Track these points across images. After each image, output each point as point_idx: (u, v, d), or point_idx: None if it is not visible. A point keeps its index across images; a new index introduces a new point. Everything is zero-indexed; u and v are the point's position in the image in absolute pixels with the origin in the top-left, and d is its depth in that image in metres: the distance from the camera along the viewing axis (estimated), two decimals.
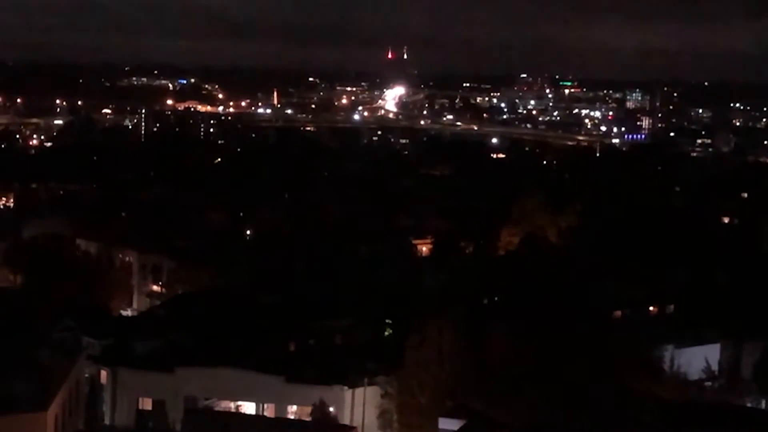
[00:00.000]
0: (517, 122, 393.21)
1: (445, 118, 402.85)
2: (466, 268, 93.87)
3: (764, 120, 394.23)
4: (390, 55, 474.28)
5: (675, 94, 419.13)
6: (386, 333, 73.00)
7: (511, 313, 69.74)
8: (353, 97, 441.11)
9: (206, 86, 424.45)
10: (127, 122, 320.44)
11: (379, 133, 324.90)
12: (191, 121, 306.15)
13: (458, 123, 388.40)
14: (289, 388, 62.24)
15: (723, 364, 71.28)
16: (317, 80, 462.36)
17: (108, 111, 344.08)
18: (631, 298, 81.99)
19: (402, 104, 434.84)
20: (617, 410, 50.70)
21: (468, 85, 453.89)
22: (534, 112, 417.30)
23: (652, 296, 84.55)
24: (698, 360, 68.43)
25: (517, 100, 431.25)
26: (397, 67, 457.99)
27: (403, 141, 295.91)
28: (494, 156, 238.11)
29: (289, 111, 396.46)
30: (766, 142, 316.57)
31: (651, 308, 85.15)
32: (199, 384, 62.79)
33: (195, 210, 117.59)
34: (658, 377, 61.01)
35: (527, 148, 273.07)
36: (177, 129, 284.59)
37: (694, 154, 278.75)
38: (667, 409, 51.92)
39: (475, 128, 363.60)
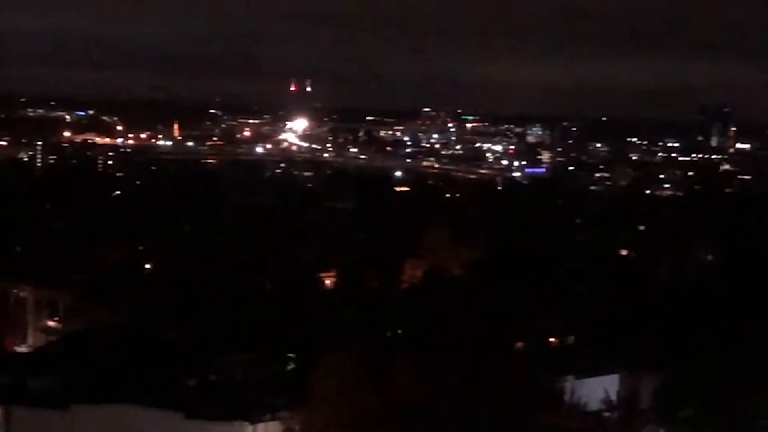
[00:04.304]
0: (420, 156, 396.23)
1: (348, 151, 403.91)
2: (370, 301, 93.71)
3: (660, 154, 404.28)
4: (293, 88, 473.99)
5: (574, 129, 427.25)
6: (289, 367, 72.35)
7: (415, 347, 69.67)
8: (256, 130, 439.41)
9: (105, 118, 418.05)
10: (22, 154, 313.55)
11: (283, 165, 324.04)
12: (89, 154, 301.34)
13: (362, 156, 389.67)
14: (188, 424, 61.02)
15: (622, 395, 72.25)
16: (219, 112, 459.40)
17: (3, 143, 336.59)
18: (533, 330, 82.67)
19: (305, 137, 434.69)
20: None
21: (372, 118, 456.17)
22: (437, 145, 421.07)
23: (553, 327, 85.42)
24: (598, 391, 69.24)
25: (420, 134, 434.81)
26: (300, 100, 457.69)
27: (307, 174, 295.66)
28: (398, 189, 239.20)
29: (190, 143, 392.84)
30: (661, 176, 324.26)
31: (552, 339, 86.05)
32: (97, 421, 61.20)
33: (93, 244, 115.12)
34: (559, 408, 61.51)
35: (431, 182, 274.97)
36: (74, 161, 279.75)
37: (593, 188, 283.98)
38: None
39: (379, 162, 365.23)
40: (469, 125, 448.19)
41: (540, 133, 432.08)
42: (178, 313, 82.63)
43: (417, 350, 66.28)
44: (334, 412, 57.17)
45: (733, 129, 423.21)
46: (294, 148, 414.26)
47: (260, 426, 60.86)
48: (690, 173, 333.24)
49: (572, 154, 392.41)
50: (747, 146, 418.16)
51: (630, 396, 71.67)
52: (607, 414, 68.99)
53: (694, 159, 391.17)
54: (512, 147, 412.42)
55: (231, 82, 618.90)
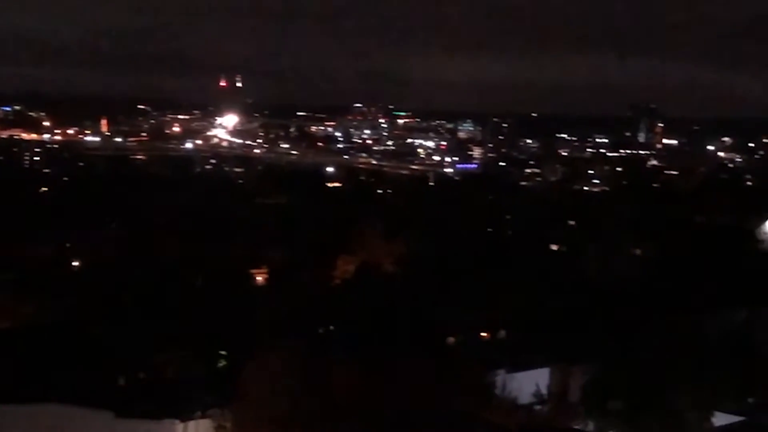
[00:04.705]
0: (352, 152, 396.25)
1: (280, 147, 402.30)
2: (302, 297, 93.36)
3: (589, 150, 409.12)
4: (223, 84, 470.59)
5: (505, 125, 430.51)
6: (220, 365, 71.84)
7: (347, 343, 69.58)
8: (186, 126, 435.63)
9: (31, 113, 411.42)
10: None
11: (213, 161, 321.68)
12: (15, 150, 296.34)
13: (293, 152, 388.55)
14: (118, 423, 60.18)
15: (552, 388, 72.93)
16: (148, 108, 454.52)
17: None
18: (465, 324, 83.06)
19: (236, 133, 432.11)
20: None
21: (303, 114, 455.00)
22: (369, 141, 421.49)
23: (484, 322, 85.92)
24: (528, 384, 69.83)
25: (352, 130, 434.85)
26: (231, 96, 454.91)
27: (238, 170, 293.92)
28: (330, 185, 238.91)
29: (118, 139, 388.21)
30: (591, 172, 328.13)
31: (484, 334, 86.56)
32: (21, 422, 60.06)
33: (19, 241, 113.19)
34: (490, 402, 61.88)
35: (363, 178, 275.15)
36: (0, 157, 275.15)
37: (524, 183, 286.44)
38: None
39: (311, 157, 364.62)
40: (400, 121, 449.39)
41: (471, 129, 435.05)
42: (106, 311, 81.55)
43: (349, 346, 66.20)
44: (266, 410, 56.80)
45: (660, 125, 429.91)
46: (224, 143, 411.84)
47: (191, 424, 60.29)
48: (618, 169, 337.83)
49: (503, 150, 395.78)
50: (674, 142, 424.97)
51: (560, 389, 72.43)
52: (537, 407, 69.65)
53: (622, 155, 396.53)
54: (444, 143, 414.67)
55: (160, 78, 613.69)
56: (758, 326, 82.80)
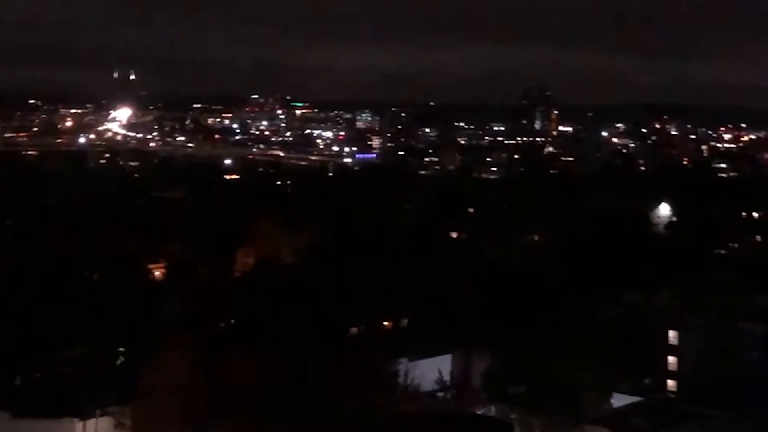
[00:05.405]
0: (250, 143, 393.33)
1: (176, 140, 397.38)
2: (202, 291, 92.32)
3: (486, 138, 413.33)
4: (116, 76, 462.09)
5: (403, 115, 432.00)
6: (119, 362, 70.80)
7: (248, 336, 69.10)
8: (78, 120, 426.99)
9: None
10: None
11: (108, 155, 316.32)
12: None
13: (190, 144, 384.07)
14: (16, 423, 59.01)
15: (454, 375, 73.57)
16: (39, 102, 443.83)
17: None
18: (366, 314, 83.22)
19: (130, 126, 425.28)
20: (358, 425, 51.12)
21: (198, 106, 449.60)
22: (267, 133, 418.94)
23: (387, 311, 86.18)
24: (431, 372, 70.35)
25: (249, 121, 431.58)
26: (124, 89, 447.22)
27: (133, 164, 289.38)
28: (228, 177, 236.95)
29: (8, 134, 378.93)
30: (488, 159, 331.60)
31: (385, 323, 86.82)
32: None
33: None
34: (393, 390, 62.13)
35: (261, 169, 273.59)
36: None
37: (423, 172, 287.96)
38: (402, 421, 52.94)
39: (208, 150, 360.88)
40: (298, 112, 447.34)
41: (369, 118, 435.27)
42: (0, 309, 79.55)
43: (250, 340, 65.76)
44: (166, 406, 56.11)
45: (556, 112, 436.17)
46: (119, 137, 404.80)
47: (90, 422, 59.37)
48: (515, 156, 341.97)
49: (402, 140, 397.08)
50: (569, 129, 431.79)
51: (462, 376, 73.14)
52: (440, 394, 70.22)
53: (519, 142, 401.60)
54: (342, 133, 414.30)
55: (51, 72, 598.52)
56: (652, 307, 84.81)
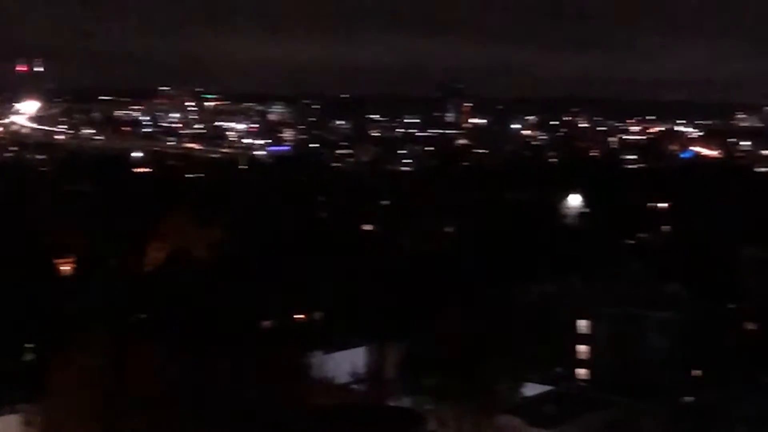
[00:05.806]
0: (159, 136, 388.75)
1: (84, 133, 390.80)
2: (111, 286, 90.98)
3: (399, 130, 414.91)
4: (22, 68, 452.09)
5: (315, 107, 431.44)
6: (27, 359, 69.44)
7: (159, 331, 68.26)
8: None
9: None
10: None
11: (13, 149, 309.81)
12: None
13: (98, 137, 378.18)
14: None
15: (368, 367, 73.61)
16: None
17: None
18: (280, 308, 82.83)
19: (37, 119, 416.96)
20: (272, 419, 50.91)
21: (107, 98, 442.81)
22: (177, 125, 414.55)
23: (300, 305, 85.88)
24: (345, 364, 70.33)
25: (159, 114, 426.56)
26: (30, 81, 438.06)
27: (40, 157, 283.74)
28: (137, 170, 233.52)
29: None
30: (402, 152, 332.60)
31: (299, 316, 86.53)
32: None
33: None
34: (307, 383, 61.92)
35: (172, 162, 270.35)
36: None
37: (336, 165, 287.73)
38: (315, 413, 52.87)
39: (117, 142, 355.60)
40: (209, 104, 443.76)
41: (281, 111, 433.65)
42: None
43: (162, 334, 64.97)
44: (75, 403, 55.08)
45: (469, 105, 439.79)
46: (25, 130, 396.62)
47: None
48: (428, 148, 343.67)
49: (314, 132, 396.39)
50: (482, 121, 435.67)
51: (376, 368, 73.19)
52: (354, 386, 70.18)
53: (432, 134, 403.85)
54: (254, 125, 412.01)
55: None
56: (563, 297, 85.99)
